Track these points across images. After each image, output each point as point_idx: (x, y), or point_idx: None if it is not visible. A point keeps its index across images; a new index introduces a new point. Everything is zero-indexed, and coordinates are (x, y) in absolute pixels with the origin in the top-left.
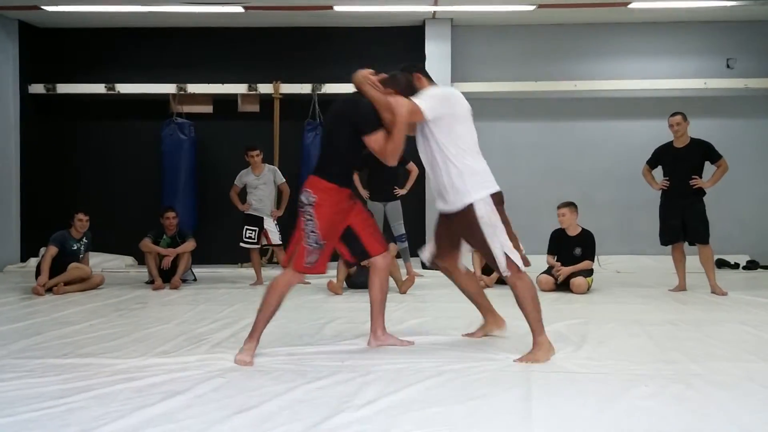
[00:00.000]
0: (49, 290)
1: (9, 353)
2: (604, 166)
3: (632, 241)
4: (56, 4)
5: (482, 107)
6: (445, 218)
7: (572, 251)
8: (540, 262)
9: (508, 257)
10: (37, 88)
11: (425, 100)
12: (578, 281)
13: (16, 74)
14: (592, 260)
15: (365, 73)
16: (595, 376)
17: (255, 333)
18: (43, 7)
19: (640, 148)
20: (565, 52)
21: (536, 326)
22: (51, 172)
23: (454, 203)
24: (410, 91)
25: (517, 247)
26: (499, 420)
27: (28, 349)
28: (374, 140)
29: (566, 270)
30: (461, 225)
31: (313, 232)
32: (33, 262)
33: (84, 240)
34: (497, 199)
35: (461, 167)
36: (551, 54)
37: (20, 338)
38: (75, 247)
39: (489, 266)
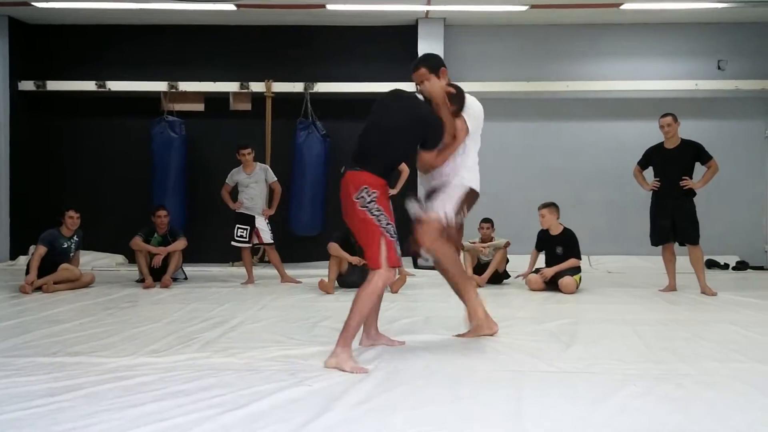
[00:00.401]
0: (39, 289)
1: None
2: (596, 166)
3: (623, 241)
4: (47, 1)
5: None
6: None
7: (554, 250)
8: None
9: (437, 215)
10: (27, 85)
11: (471, 120)
12: (566, 281)
13: (5, 71)
14: (578, 258)
15: (444, 91)
16: (586, 375)
17: (350, 339)
18: (33, 3)
19: (632, 148)
20: (558, 53)
21: (463, 287)
22: (41, 169)
23: (444, 177)
24: (463, 102)
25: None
26: (489, 419)
27: (17, 348)
28: (431, 154)
29: (549, 271)
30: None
31: (389, 224)
32: (22, 260)
33: (75, 238)
34: (473, 197)
35: (470, 164)
36: (544, 54)
37: (9, 336)
38: (66, 246)
39: (480, 265)
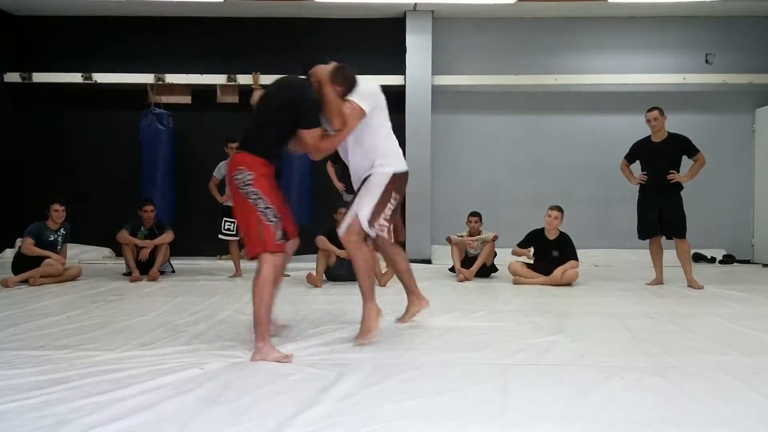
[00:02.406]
0: (25, 282)
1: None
2: (583, 160)
3: (610, 235)
4: None
5: (462, 100)
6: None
7: (550, 253)
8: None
9: (356, 216)
10: (13, 77)
11: (364, 101)
12: (570, 273)
13: None
14: (577, 259)
15: (327, 72)
16: (572, 368)
17: (265, 332)
18: None
19: (619, 142)
20: (546, 46)
21: (367, 294)
22: (27, 162)
23: (368, 171)
24: (353, 84)
25: (389, 227)
26: (475, 412)
27: (4, 341)
28: (310, 135)
29: (559, 275)
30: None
31: (267, 207)
32: (9, 253)
33: (62, 231)
34: (401, 178)
35: (382, 146)
36: (532, 47)
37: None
38: (52, 238)
39: (468, 259)
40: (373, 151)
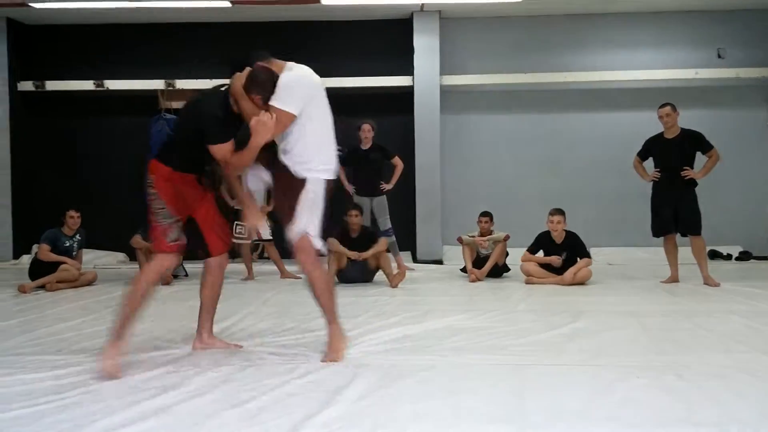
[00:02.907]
0: (42, 287)
1: (2, 350)
2: (594, 158)
3: (623, 233)
4: (43, 1)
5: (471, 100)
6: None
7: (559, 256)
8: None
9: (306, 235)
10: (26, 86)
11: (290, 103)
12: (583, 273)
13: (5, 72)
14: (588, 256)
15: (240, 83)
16: (587, 368)
17: (123, 333)
18: (30, 4)
19: (631, 139)
20: (555, 44)
21: (331, 316)
22: (42, 169)
23: (293, 167)
24: (272, 87)
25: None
26: (490, 412)
27: (22, 346)
28: (217, 149)
29: (570, 277)
30: (295, 183)
31: (161, 208)
32: (25, 259)
33: (77, 237)
34: (330, 184)
35: (311, 143)
36: (541, 45)
37: (14, 335)
38: (68, 244)
39: (479, 259)
40: (304, 158)
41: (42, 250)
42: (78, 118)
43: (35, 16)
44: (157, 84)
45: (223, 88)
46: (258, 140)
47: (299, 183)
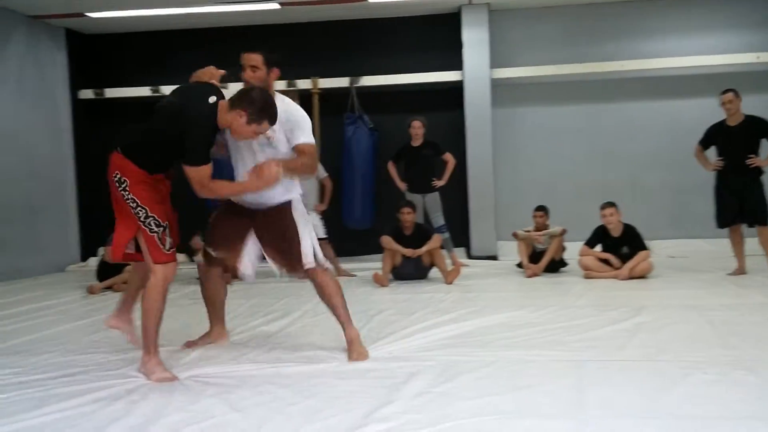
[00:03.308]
0: (109, 288)
1: (77, 349)
2: (654, 148)
3: (686, 224)
4: (99, 11)
5: (522, 93)
6: (243, 213)
7: (619, 250)
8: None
9: (315, 251)
10: (87, 94)
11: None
12: (643, 266)
13: (66, 80)
14: (646, 248)
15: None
16: (651, 363)
17: (152, 345)
18: (87, 14)
19: (691, 127)
20: (609, 32)
21: (346, 318)
22: (105, 174)
23: (272, 198)
24: (264, 109)
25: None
26: (550, 409)
27: (93, 345)
28: (195, 172)
29: (626, 273)
30: (274, 218)
31: (148, 217)
32: (92, 261)
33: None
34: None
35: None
36: (594, 34)
37: (86, 334)
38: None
39: (535, 254)
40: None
41: (108, 252)
42: (136, 124)
43: (92, 25)
44: None
45: (211, 100)
46: (257, 186)
47: (279, 215)
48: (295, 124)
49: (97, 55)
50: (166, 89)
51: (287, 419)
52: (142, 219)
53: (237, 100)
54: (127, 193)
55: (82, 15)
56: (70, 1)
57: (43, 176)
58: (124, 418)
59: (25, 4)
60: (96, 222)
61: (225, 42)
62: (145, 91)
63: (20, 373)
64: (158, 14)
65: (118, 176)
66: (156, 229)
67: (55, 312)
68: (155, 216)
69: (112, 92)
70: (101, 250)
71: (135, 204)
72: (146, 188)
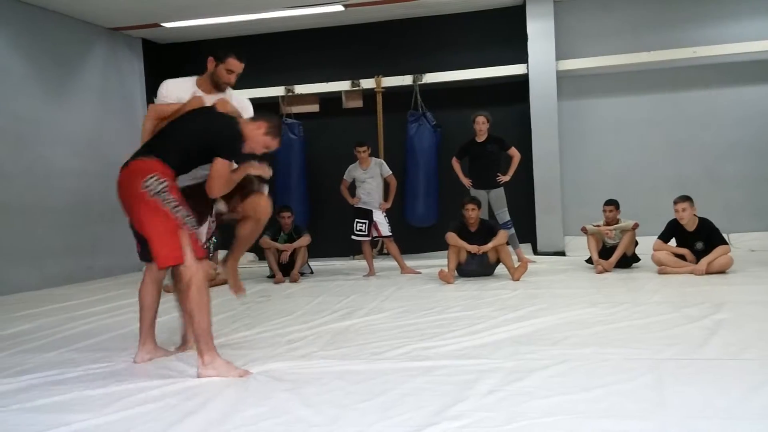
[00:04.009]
0: None
1: (163, 343)
2: (731, 136)
3: (767, 216)
4: (173, 21)
5: (589, 84)
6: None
7: (693, 246)
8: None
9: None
10: None
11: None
12: (722, 261)
13: (143, 89)
14: (725, 242)
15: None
16: (734, 362)
17: (212, 342)
18: (162, 24)
19: None
20: (680, 18)
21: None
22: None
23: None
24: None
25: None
26: (628, 408)
27: (166, 343)
28: (224, 165)
29: (703, 267)
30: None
31: (187, 216)
32: None
33: (213, 239)
34: None
35: None
36: (662, 21)
37: (162, 332)
38: (205, 247)
39: (605, 249)
40: None
41: (152, 264)
42: (156, 137)
43: (166, 35)
44: (278, 91)
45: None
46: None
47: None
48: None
49: (171, 63)
50: (235, 93)
51: (361, 415)
52: (182, 217)
53: (258, 115)
54: (166, 194)
55: (157, 25)
56: (147, 12)
57: None
58: (201, 412)
59: (104, 17)
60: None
61: (290, 46)
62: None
63: (100, 367)
64: (226, 22)
65: (156, 178)
66: (196, 226)
67: (134, 310)
68: (191, 214)
69: None
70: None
71: (174, 203)
72: (177, 188)
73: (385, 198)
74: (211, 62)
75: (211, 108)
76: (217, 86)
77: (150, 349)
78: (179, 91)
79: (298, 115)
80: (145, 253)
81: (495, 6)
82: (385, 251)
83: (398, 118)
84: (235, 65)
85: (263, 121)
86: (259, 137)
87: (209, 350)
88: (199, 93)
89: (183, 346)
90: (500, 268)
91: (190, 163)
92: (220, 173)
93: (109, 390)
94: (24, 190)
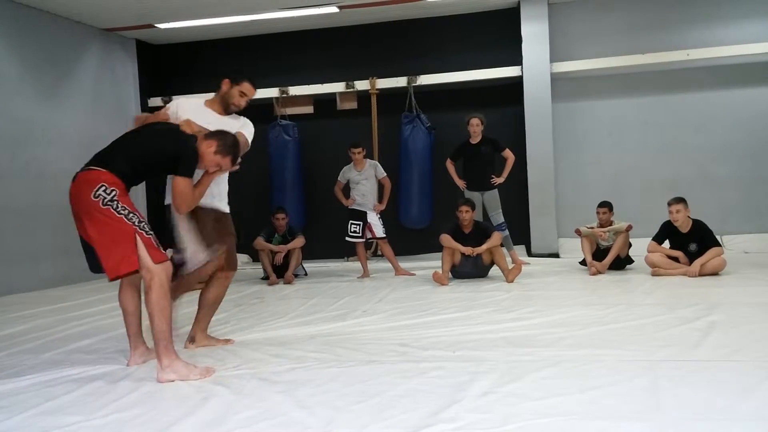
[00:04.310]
0: None
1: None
2: (724, 139)
3: (761, 218)
4: (167, 22)
5: (583, 86)
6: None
7: (687, 248)
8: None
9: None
10: (156, 101)
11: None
12: (715, 262)
13: (136, 89)
14: (718, 244)
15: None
16: (728, 364)
17: (171, 345)
18: (156, 25)
19: (765, 117)
20: (673, 20)
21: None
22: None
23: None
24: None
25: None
26: (622, 409)
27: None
28: (185, 182)
29: (696, 269)
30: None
31: (141, 221)
32: None
33: None
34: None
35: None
36: (658, 23)
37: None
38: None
39: (599, 251)
40: (224, 190)
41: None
42: (110, 147)
43: (161, 36)
44: (272, 92)
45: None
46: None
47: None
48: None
49: (165, 64)
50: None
51: (355, 417)
52: (136, 224)
53: (211, 134)
54: (117, 203)
55: (151, 26)
56: (140, 13)
57: None
58: (196, 414)
59: (98, 17)
60: (165, 224)
61: (285, 47)
62: (209, 97)
63: (94, 369)
64: (220, 23)
65: (105, 188)
66: (150, 232)
67: None
68: (145, 220)
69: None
70: (169, 252)
71: (127, 211)
72: (128, 198)
73: (380, 199)
74: (226, 83)
75: (171, 125)
76: (227, 108)
77: (142, 352)
78: (190, 113)
79: (292, 117)
80: (95, 265)
81: (489, 8)
82: (379, 253)
83: (392, 119)
84: (249, 90)
85: (214, 140)
86: (210, 155)
87: (168, 353)
88: (209, 112)
89: (190, 343)
90: (494, 270)
91: (140, 176)
92: (184, 192)
93: (103, 391)
94: (18, 191)
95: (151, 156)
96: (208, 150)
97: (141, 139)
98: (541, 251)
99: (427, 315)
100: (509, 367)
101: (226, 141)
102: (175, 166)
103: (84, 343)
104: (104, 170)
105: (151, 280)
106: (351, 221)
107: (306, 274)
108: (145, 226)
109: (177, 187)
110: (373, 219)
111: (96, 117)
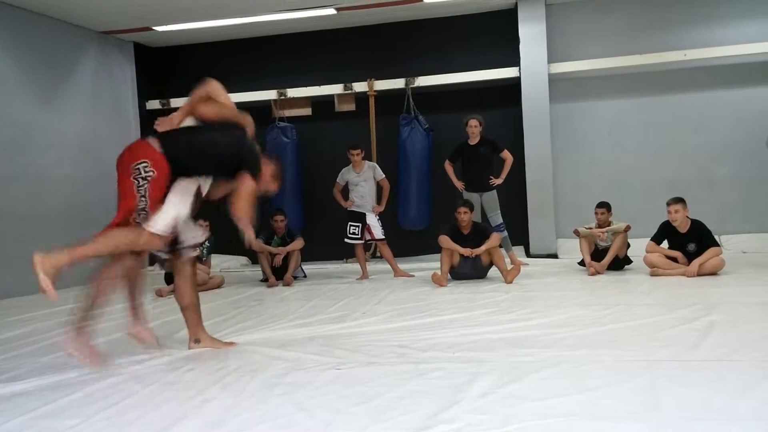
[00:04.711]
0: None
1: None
2: (723, 139)
3: (759, 218)
4: (165, 24)
5: (582, 87)
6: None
7: (686, 248)
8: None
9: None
10: (154, 104)
11: None
12: (713, 262)
13: (134, 92)
14: (716, 244)
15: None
16: (727, 364)
17: (73, 259)
18: (154, 27)
19: (762, 116)
20: (671, 21)
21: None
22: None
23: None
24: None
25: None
26: (622, 410)
27: (169, 345)
28: (252, 182)
29: (695, 269)
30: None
31: (143, 210)
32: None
33: (207, 244)
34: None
35: None
36: (656, 24)
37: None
38: (198, 251)
39: (598, 252)
40: None
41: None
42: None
43: (158, 38)
44: (271, 94)
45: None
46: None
47: None
48: None
49: (162, 66)
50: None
51: (354, 419)
52: (139, 209)
53: (269, 156)
54: (145, 183)
55: (149, 29)
56: (138, 16)
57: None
58: (195, 416)
59: (96, 20)
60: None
61: (282, 49)
62: None
63: (92, 372)
64: (218, 25)
65: (146, 165)
66: (139, 221)
67: (125, 316)
68: (148, 212)
69: (177, 102)
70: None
71: (144, 198)
72: (159, 187)
73: (379, 201)
74: None
75: (243, 131)
76: None
77: (140, 322)
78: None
79: (290, 119)
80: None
81: (487, 9)
82: (378, 254)
83: (391, 121)
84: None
85: (273, 164)
86: (267, 176)
87: (72, 258)
88: None
89: (193, 342)
90: (493, 271)
91: (191, 171)
92: (250, 191)
93: (102, 395)
94: (17, 195)
95: (218, 157)
96: (265, 170)
97: (209, 135)
98: (540, 252)
99: (427, 316)
100: (509, 368)
101: (280, 168)
102: (233, 167)
103: None
104: (158, 150)
105: (137, 231)
106: (350, 223)
107: (305, 276)
108: (143, 214)
109: (247, 187)
110: (372, 220)
111: (94, 120)
